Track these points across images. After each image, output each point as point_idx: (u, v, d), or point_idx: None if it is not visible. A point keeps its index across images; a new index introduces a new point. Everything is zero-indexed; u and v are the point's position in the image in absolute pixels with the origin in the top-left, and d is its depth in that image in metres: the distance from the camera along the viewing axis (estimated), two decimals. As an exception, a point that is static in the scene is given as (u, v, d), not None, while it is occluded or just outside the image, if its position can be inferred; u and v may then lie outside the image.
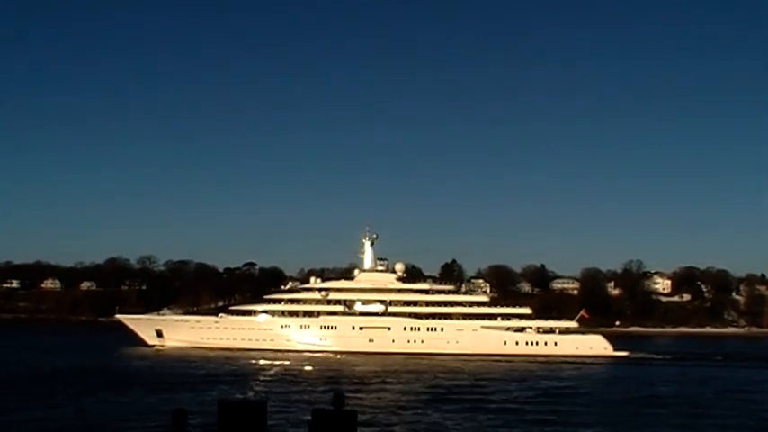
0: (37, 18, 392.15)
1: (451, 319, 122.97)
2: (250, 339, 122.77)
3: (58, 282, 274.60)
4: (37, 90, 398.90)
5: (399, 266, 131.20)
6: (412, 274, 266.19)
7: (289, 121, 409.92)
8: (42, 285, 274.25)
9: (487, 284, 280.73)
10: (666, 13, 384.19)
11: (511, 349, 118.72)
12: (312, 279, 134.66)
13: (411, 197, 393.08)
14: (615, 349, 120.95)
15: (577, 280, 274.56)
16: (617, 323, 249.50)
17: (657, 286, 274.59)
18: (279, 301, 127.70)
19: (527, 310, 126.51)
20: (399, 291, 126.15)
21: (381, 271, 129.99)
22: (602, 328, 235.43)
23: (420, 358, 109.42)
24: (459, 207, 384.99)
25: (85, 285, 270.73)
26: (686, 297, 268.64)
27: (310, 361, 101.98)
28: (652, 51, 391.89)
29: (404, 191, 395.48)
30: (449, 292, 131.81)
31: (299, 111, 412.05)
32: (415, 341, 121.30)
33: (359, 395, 62.24)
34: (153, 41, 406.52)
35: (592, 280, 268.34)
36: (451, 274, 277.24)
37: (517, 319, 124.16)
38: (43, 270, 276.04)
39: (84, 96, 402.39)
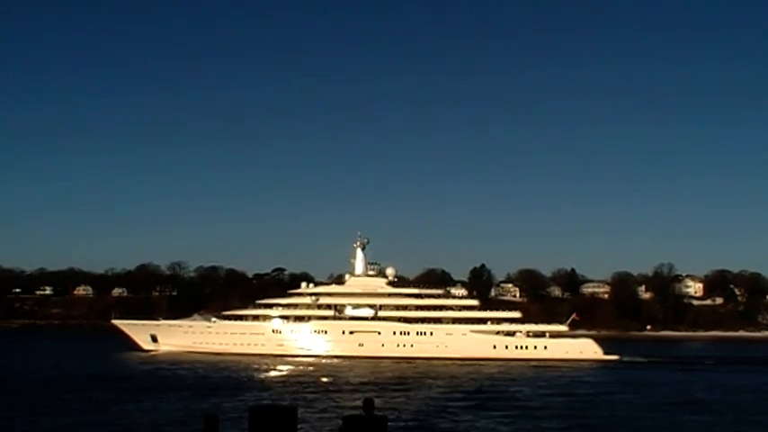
0: (36, 21, 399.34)
1: (441, 323, 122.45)
2: (242, 344, 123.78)
3: (89, 288, 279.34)
4: (65, 95, 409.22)
5: (390, 271, 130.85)
6: (442, 279, 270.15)
7: (318, 126, 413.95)
8: (75, 292, 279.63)
9: (517, 289, 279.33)
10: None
11: (500, 353, 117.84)
12: (303, 284, 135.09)
13: (439, 202, 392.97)
14: (605, 353, 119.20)
15: (608, 284, 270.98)
16: (648, 327, 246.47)
17: (689, 290, 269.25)
18: (270, 306, 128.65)
19: (517, 315, 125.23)
20: (389, 295, 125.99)
21: (372, 275, 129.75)
22: (633, 333, 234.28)
23: (409, 362, 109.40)
24: (489, 211, 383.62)
25: (117, 292, 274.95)
26: (719, 301, 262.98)
27: (300, 365, 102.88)
28: (676, 52, 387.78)
29: (433, 196, 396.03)
30: (438, 296, 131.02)
31: (330, 114, 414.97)
32: (404, 345, 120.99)
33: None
34: (160, 47, 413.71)
35: (622, 284, 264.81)
36: (480, 279, 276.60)
37: (507, 324, 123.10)
38: (76, 277, 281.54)
39: (110, 99, 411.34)
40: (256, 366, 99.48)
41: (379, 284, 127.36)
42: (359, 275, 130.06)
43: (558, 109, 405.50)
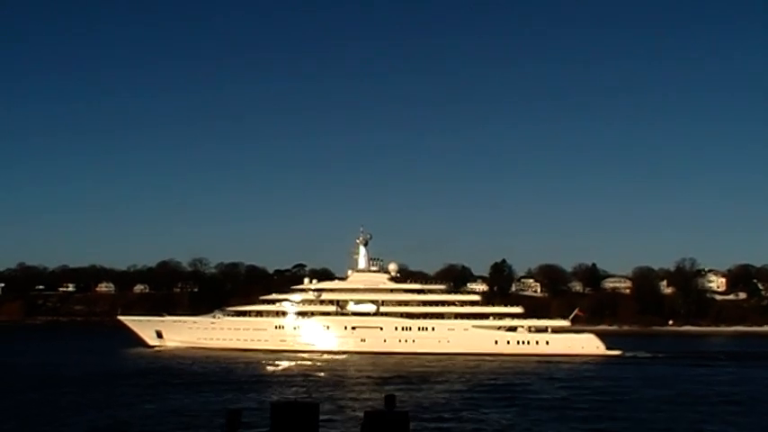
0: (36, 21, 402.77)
1: (443, 318, 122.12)
2: (245, 340, 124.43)
3: (111, 285, 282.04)
4: (80, 95, 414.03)
5: (393, 266, 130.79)
6: (462, 274, 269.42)
7: (341, 123, 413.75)
8: (97, 288, 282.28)
9: (538, 284, 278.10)
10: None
11: (502, 348, 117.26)
12: (306, 280, 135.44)
13: (460, 197, 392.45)
14: (607, 348, 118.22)
15: (629, 279, 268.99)
16: (670, 322, 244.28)
17: (712, 284, 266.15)
18: (274, 302, 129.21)
19: (519, 310, 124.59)
20: (392, 291, 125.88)
21: (375, 271, 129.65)
22: (655, 328, 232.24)
23: (411, 358, 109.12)
24: (510, 207, 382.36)
25: (139, 288, 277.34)
26: (742, 295, 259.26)
27: (310, 361, 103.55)
28: (701, 48, 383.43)
29: (453, 191, 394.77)
30: (441, 291, 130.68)
31: (352, 111, 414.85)
32: (406, 341, 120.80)
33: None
34: (165, 47, 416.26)
35: (644, 279, 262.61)
36: (501, 275, 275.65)
37: (509, 319, 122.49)
38: (98, 274, 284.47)
39: (129, 98, 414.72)
40: (267, 362, 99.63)
41: (382, 280, 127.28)
42: (361, 271, 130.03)
43: (581, 104, 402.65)
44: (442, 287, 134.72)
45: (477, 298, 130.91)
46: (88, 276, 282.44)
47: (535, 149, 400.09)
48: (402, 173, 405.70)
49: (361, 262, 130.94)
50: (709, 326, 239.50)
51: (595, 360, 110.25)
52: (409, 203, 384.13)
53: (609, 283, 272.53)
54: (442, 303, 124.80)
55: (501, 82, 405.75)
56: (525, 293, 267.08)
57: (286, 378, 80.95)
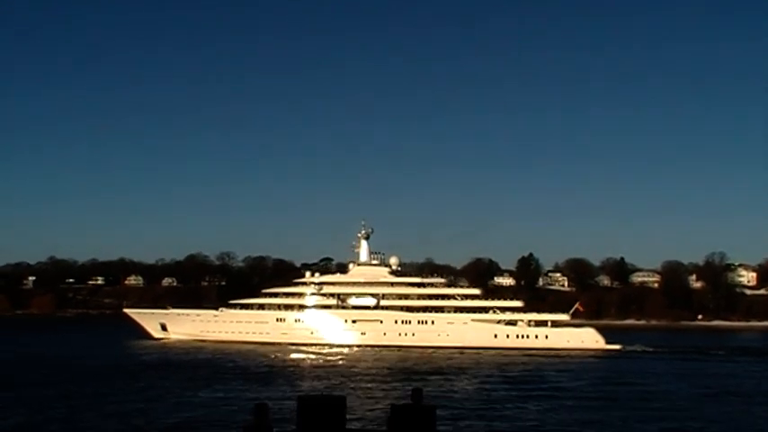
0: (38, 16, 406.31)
1: (444, 312, 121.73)
2: (247, 332, 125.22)
3: (140, 278, 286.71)
4: (91, 86, 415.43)
5: (394, 260, 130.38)
6: (489, 268, 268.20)
7: (368, 116, 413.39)
8: (126, 282, 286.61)
9: (565, 278, 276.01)
10: None
11: (502, 342, 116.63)
12: (308, 273, 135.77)
13: (487, 191, 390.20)
14: (607, 342, 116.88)
15: (658, 273, 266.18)
16: (699, 317, 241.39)
17: (742, 279, 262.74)
18: (276, 295, 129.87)
19: (519, 303, 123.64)
20: (392, 284, 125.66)
21: (375, 265, 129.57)
22: (684, 322, 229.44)
23: (410, 351, 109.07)
24: (537, 200, 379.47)
25: (167, 282, 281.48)
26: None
27: (318, 354, 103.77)
28: (738, 31, 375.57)
29: (480, 184, 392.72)
30: (441, 285, 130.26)
31: (378, 102, 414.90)
32: (405, 334, 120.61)
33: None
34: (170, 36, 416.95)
35: (673, 273, 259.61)
36: (528, 268, 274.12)
37: (509, 312, 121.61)
38: (126, 267, 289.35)
39: (150, 89, 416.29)
40: (269, 355, 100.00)
41: (382, 273, 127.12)
42: (362, 264, 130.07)
43: (606, 93, 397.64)
44: (442, 280, 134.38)
45: (477, 291, 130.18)
46: (117, 270, 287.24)
47: (564, 142, 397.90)
48: (428, 165, 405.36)
49: (363, 255, 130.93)
50: (739, 321, 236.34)
51: (595, 354, 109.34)
52: (437, 196, 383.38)
53: (637, 278, 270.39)
54: (442, 297, 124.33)
55: (527, 71, 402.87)
56: (552, 288, 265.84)
57: (298, 371, 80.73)
